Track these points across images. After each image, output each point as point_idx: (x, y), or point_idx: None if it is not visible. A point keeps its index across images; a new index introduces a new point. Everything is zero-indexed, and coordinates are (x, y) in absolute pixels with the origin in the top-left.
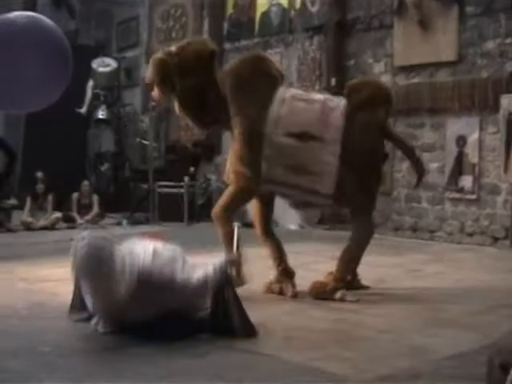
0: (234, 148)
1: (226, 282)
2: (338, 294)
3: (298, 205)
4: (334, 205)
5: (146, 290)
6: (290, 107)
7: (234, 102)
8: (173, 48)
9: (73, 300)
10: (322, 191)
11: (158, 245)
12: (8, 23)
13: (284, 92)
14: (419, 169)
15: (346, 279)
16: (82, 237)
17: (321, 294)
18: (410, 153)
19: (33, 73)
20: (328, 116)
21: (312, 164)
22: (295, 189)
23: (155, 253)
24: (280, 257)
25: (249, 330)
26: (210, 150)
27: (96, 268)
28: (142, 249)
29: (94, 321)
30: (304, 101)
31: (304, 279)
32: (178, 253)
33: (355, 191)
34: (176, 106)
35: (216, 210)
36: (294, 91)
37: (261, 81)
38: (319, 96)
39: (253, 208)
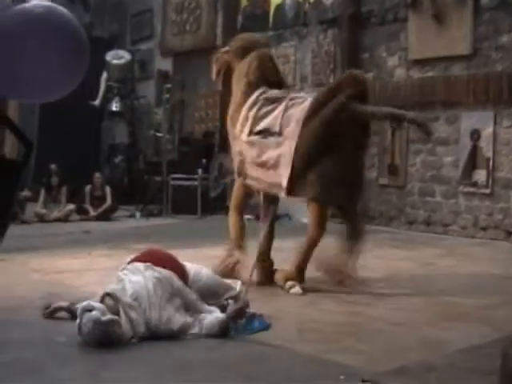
0: None
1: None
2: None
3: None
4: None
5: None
6: (257, 111)
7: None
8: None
9: None
10: (282, 184)
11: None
12: (25, 12)
13: (257, 96)
14: (420, 124)
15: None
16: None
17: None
18: (401, 117)
19: (51, 61)
20: (289, 111)
21: (272, 158)
22: (262, 183)
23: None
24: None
25: None
26: (223, 143)
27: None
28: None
29: None
30: (272, 103)
31: (316, 272)
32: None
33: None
34: None
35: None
36: (268, 94)
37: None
38: (291, 95)
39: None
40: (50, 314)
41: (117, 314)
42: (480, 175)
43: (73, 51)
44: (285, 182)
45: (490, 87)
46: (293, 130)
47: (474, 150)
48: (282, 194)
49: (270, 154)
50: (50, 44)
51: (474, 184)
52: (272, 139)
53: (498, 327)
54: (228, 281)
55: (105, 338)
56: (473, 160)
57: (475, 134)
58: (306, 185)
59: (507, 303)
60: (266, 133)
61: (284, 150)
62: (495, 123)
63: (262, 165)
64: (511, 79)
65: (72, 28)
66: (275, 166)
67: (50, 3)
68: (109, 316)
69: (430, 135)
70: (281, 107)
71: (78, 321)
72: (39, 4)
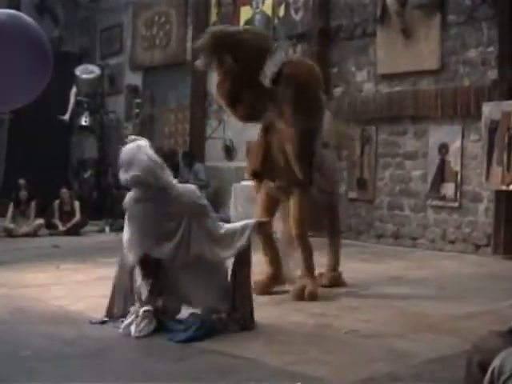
0: None
1: (249, 245)
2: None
3: None
4: None
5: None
6: None
7: None
8: None
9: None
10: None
11: None
12: None
13: None
14: None
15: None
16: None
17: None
18: None
19: (13, 69)
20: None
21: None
22: None
23: None
24: None
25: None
26: (190, 157)
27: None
28: None
29: (125, 323)
30: None
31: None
32: None
33: None
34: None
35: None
36: None
37: None
38: None
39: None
40: None
41: None
42: (448, 189)
43: (36, 56)
44: None
45: (458, 102)
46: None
47: (442, 164)
48: None
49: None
50: (13, 49)
51: (443, 197)
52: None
53: (466, 338)
54: None
55: None
56: (441, 174)
57: (443, 148)
58: None
59: (475, 315)
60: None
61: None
62: (463, 137)
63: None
64: (478, 94)
65: (34, 33)
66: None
67: (12, 11)
68: None
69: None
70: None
71: None
72: (2, 12)
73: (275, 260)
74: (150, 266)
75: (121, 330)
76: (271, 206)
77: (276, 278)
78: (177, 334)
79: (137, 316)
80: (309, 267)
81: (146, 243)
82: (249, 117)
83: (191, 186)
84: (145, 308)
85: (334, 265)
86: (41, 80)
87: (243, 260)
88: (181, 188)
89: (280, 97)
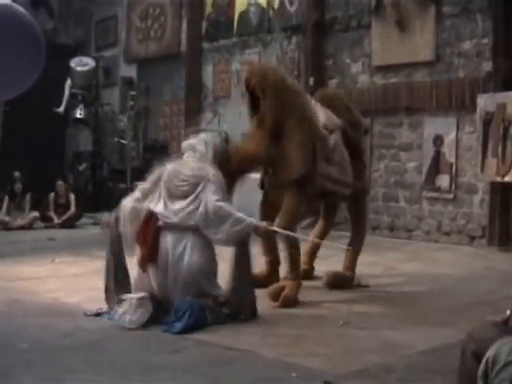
0: None
1: (247, 242)
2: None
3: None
4: None
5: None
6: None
7: None
8: None
9: (107, 284)
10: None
11: None
12: None
13: None
14: None
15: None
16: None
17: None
18: None
19: (5, 59)
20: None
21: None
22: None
23: None
24: None
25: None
26: None
27: None
28: None
29: (117, 315)
30: None
31: None
32: None
33: None
34: None
35: None
36: None
37: None
38: None
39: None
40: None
41: None
42: (443, 180)
43: (28, 46)
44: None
45: (453, 93)
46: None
47: (437, 156)
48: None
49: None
50: (5, 39)
51: (438, 189)
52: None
53: (460, 329)
54: None
55: None
56: (436, 165)
57: (438, 140)
58: None
59: (470, 307)
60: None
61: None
62: (458, 129)
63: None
64: (473, 85)
65: (26, 23)
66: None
67: (4, 1)
68: None
69: None
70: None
71: None
72: None
73: (273, 260)
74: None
75: (115, 320)
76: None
77: (272, 279)
78: (171, 324)
79: (131, 305)
80: (293, 267)
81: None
82: None
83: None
84: (139, 295)
85: (348, 265)
86: (34, 70)
87: (242, 252)
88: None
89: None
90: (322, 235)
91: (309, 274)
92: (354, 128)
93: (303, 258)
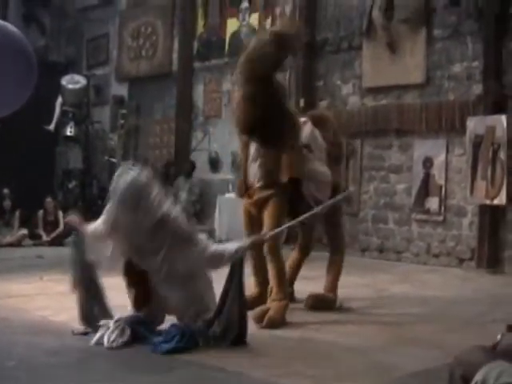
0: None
1: (240, 264)
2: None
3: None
4: None
5: (164, 230)
6: None
7: None
8: None
9: (82, 311)
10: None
11: None
12: None
13: None
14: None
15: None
16: (123, 172)
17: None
18: None
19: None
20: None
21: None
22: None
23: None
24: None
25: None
26: (191, 168)
27: (135, 203)
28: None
29: (97, 336)
30: None
31: None
32: None
33: None
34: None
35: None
36: None
37: None
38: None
39: None
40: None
41: None
42: (432, 202)
43: (20, 64)
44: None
45: (443, 116)
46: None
47: (427, 178)
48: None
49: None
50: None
51: (427, 211)
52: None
53: (449, 351)
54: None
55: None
56: (425, 187)
57: (428, 162)
58: None
59: (458, 328)
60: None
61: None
62: (447, 151)
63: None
64: (463, 108)
65: (18, 41)
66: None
67: None
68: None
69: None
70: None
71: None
72: None
73: (263, 281)
74: (134, 275)
75: (92, 343)
76: (253, 223)
77: (261, 300)
78: (158, 345)
79: (108, 328)
80: (279, 288)
81: (131, 253)
82: None
83: (178, 209)
84: (116, 318)
85: (329, 287)
86: (25, 89)
87: (234, 275)
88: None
89: None
90: (300, 260)
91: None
92: (337, 150)
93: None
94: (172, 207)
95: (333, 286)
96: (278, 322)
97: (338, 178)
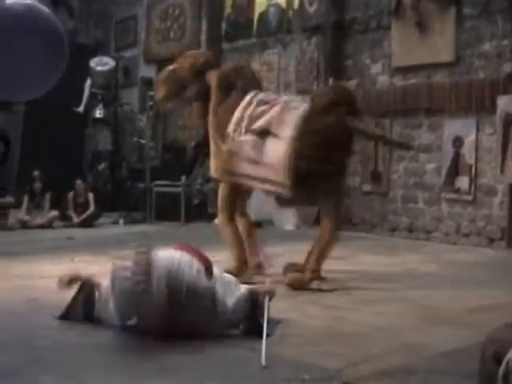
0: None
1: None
2: (315, 285)
3: (280, 202)
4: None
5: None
6: (253, 111)
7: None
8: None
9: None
10: (278, 181)
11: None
12: (4, 9)
13: (251, 98)
14: (398, 144)
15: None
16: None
17: (298, 284)
18: (379, 138)
19: (29, 59)
20: (285, 116)
21: (268, 156)
22: (254, 180)
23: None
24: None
25: None
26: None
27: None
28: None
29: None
30: (266, 104)
31: None
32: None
33: (315, 186)
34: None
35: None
36: (261, 96)
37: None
38: (284, 98)
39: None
40: (68, 283)
41: None
42: (463, 182)
43: (52, 47)
44: (286, 181)
45: (473, 94)
46: (289, 135)
47: (457, 157)
48: (280, 191)
49: (267, 153)
50: (29, 39)
51: (457, 191)
52: (269, 139)
53: (481, 331)
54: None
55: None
56: (455, 167)
57: (458, 141)
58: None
59: (490, 308)
60: (263, 132)
61: (280, 152)
62: (477, 130)
63: (257, 162)
64: (493, 87)
65: (50, 23)
66: (273, 164)
67: (29, 1)
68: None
69: (411, 149)
70: (276, 108)
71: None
72: (19, 2)
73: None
74: None
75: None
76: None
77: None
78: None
79: None
80: (317, 261)
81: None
82: None
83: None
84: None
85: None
86: (56, 71)
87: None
88: None
89: None
90: None
91: None
92: None
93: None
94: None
95: (316, 264)
96: (299, 285)
97: None
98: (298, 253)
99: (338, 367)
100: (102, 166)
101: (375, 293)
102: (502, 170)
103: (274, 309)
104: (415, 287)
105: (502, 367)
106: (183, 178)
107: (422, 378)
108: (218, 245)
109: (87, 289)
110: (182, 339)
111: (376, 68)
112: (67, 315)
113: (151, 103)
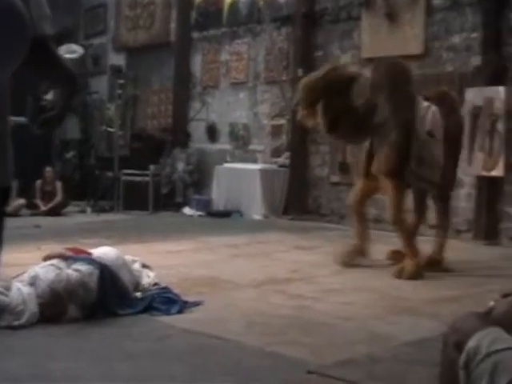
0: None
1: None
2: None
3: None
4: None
5: None
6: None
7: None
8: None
9: None
10: (435, 180)
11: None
12: None
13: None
14: None
15: None
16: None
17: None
18: None
19: None
20: (436, 119)
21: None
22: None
23: None
24: None
25: None
26: (184, 137)
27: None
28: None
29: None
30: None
31: (266, 267)
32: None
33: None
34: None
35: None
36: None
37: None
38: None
39: None
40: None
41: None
42: None
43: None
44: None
45: (441, 87)
46: (440, 137)
47: None
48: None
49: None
50: None
51: None
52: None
53: (446, 321)
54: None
55: None
56: None
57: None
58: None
59: (456, 299)
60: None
61: (438, 153)
62: None
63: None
64: (462, 79)
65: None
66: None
67: None
68: None
69: None
70: (431, 112)
71: None
72: None
73: (362, 233)
74: None
75: None
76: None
77: (360, 251)
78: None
79: None
80: (409, 248)
81: None
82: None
83: None
84: None
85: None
86: (9, 52)
87: None
88: None
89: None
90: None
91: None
92: (457, 128)
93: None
94: None
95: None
96: (414, 275)
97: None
98: (265, 242)
99: (304, 356)
100: (70, 155)
101: (341, 283)
102: (470, 163)
103: (239, 298)
104: (382, 277)
105: (463, 356)
106: (151, 167)
107: (387, 366)
108: (184, 233)
109: None
110: (147, 326)
111: (345, 59)
112: None
113: (120, 91)
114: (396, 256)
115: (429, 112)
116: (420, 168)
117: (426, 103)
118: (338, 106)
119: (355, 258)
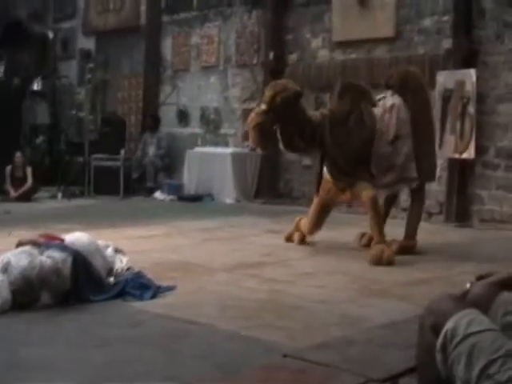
0: None
1: None
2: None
3: None
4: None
5: None
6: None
7: None
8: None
9: None
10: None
11: None
12: None
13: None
14: None
15: None
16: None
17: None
18: None
19: None
20: (401, 118)
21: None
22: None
23: None
24: None
25: None
26: (155, 122)
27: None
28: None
29: None
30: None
31: (239, 251)
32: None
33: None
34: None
35: None
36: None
37: None
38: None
39: None
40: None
41: None
42: None
43: None
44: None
45: None
46: (407, 132)
47: None
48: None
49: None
50: None
51: None
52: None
53: (419, 304)
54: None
55: None
56: None
57: None
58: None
59: (427, 281)
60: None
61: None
62: None
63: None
64: (433, 62)
65: None
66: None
67: None
68: None
69: None
70: (394, 113)
71: None
72: None
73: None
74: None
75: None
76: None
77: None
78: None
79: None
80: (377, 232)
81: None
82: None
83: None
84: None
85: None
86: None
87: None
88: None
89: None
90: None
91: None
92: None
93: None
94: None
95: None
96: (393, 259)
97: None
98: (237, 226)
99: (279, 340)
100: (39, 140)
101: (314, 266)
102: (441, 145)
103: (212, 282)
104: (354, 260)
105: (440, 339)
106: (122, 151)
107: (361, 349)
108: (155, 218)
109: None
110: (120, 312)
111: (316, 42)
112: None
113: (90, 76)
114: (365, 239)
115: (392, 116)
116: (388, 175)
117: (388, 97)
118: (293, 128)
119: (294, 235)
